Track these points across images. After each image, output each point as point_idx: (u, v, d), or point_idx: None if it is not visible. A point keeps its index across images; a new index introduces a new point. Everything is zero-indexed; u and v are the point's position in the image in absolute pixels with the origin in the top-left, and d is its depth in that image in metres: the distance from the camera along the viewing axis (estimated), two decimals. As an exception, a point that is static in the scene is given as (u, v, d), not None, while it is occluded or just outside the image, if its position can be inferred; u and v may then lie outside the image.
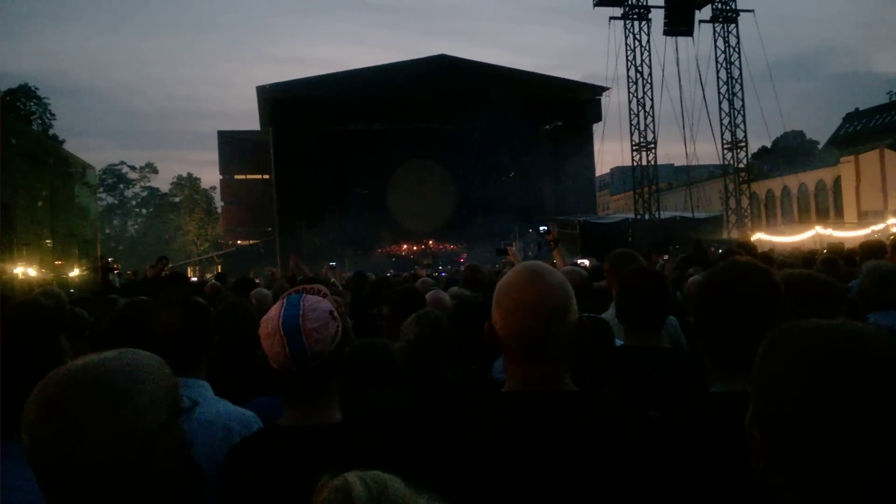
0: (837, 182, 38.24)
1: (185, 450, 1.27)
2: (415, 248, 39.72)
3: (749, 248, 8.27)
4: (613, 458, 1.41)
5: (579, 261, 11.24)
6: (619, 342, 2.81)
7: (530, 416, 1.47)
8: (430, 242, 39.85)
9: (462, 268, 15.58)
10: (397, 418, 1.60)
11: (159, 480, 1.18)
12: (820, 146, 54.01)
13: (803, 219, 39.19)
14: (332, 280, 8.79)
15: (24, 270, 17.01)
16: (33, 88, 44.23)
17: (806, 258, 7.70)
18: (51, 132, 43.02)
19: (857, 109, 48.83)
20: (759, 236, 27.99)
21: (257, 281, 11.60)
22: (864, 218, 32.34)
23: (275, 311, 1.75)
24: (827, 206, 39.80)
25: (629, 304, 2.70)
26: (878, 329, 0.95)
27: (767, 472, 0.97)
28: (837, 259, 6.51)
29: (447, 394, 2.31)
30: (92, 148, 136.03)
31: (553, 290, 1.53)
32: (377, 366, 2.26)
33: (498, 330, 1.56)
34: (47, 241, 19.88)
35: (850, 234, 25.55)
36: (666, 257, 8.11)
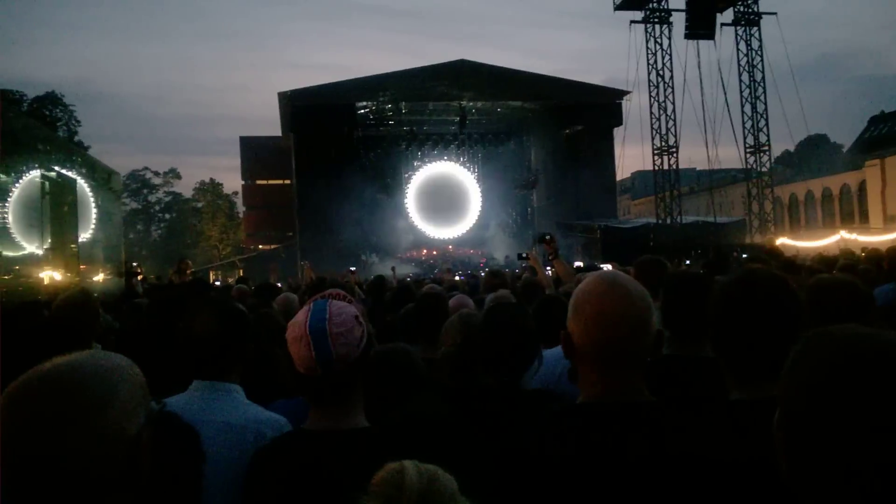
0: (862, 186, 37.71)
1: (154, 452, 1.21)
2: (434, 252, 39.74)
3: (775, 253, 8.19)
4: (702, 473, 1.38)
5: (603, 266, 11.18)
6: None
7: (612, 429, 1.44)
8: (450, 247, 39.86)
9: (482, 272, 15.55)
10: (427, 426, 1.60)
11: (144, 485, 1.13)
12: (844, 149, 53.34)
13: (827, 223, 38.72)
14: (354, 286, 8.82)
15: (51, 275, 17.24)
16: (59, 96, 45.11)
17: (829, 263, 7.59)
18: (76, 138, 43.77)
19: (882, 112, 48.08)
20: (783, 241, 27.69)
21: (279, 285, 11.67)
22: (889, 222, 31.90)
23: (301, 315, 1.77)
24: (852, 211, 39.26)
25: (674, 311, 2.62)
26: None
27: (789, 473, 1.00)
28: (858, 265, 6.43)
29: (482, 401, 2.29)
30: (116, 154, 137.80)
31: (634, 300, 1.52)
32: (400, 372, 2.26)
33: (575, 339, 1.54)
34: (73, 245, 20.12)
35: (876, 239, 25.20)
36: (688, 262, 8.03)
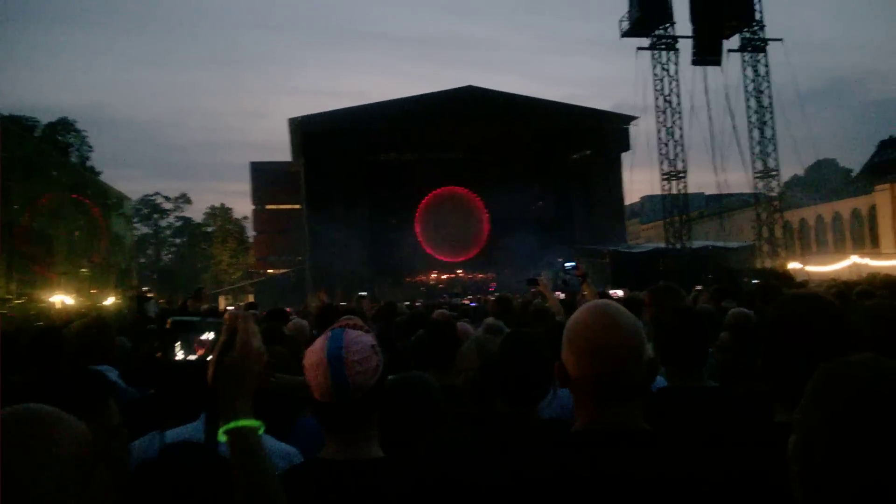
0: (872, 210, 37.59)
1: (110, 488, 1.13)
2: (444, 277, 39.73)
3: (787, 278, 8.15)
4: (697, 500, 1.37)
5: (611, 292, 11.15)
6: (658, 381, 2.78)
7: (603, 457, 1.44)
8: (460, 272, 39.85)
9: (491, 297, 15.52)
10: (445, 457, 1.59)
11: None
12: (854, 174, 53.23)
13: (838, 248, 38.55)
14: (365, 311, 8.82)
15: (62, 300, 17.34)
16: (72, 121, 45.65)
17: (840, 290, 7.55)
18: (88, 164, 44.19)
19: (891, 136, 47.95)
20: (794, 266, 27.57)
21: (287, 310, 11.66)
22: (901, 247, 31.72)
23: (319, 343, 1.79)
24: (862, 235, 39.10)
25: (666, 344, 2.65)
26: None
27: (803, 501, 1.00)
28: (874, 292, 6.38)
29: (500, 429, 2.29)
30: (128, 179, 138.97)
31: (627, 332, 1.52)
32: (418, 401, 2.26)
33: (570, 371, 1.55)
34: (84, 270, 20.27)
35: (888, 263, 25.06)
36: (699, 287, 8.02)
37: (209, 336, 1.52)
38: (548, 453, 1.52)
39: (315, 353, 1.76)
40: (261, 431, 1.44)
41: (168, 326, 1.53)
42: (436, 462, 1.77)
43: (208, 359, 1.44)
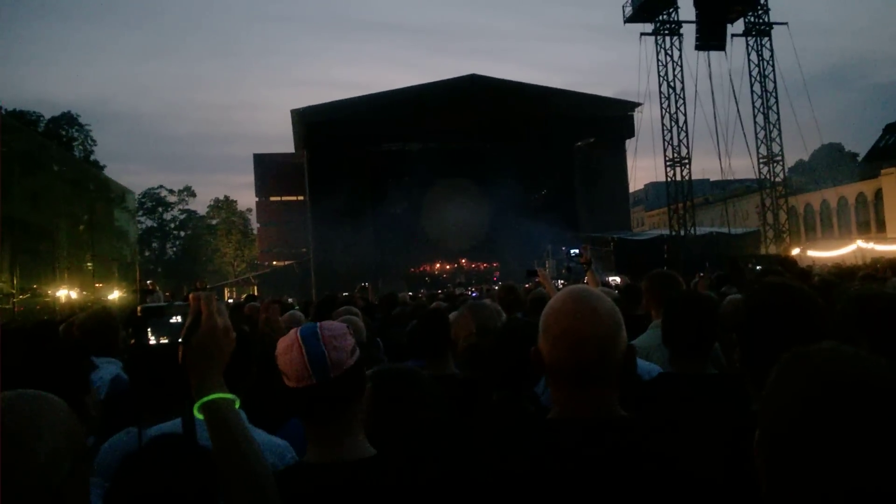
0: (879, 195, 37.36)
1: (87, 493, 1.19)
2: (448, 266, 39.73)
3: (789, 264, 8.11)
4: (669, 488, 1.35)
5: (611, 279, 11.11)
6: (654, 368, 2.75)
7: (577, 444, 1.42)
8: (463, 261, 39.83)
9: (495, 287, 15.51)
10: (431, 454, 1.57)
11: None
12: (860, 158, 52.93)
13: (844, 233, 38.35)
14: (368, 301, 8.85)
15: (67, 294, 17.40)
16: (75, 116, 45.76)
17: (844, 274, 7.53)
18: (92, 158, 44.29)
19: (897, 120, 47.72)
20: (799, 251, 27.47)
21: (290, 301, 11.69)
22: (907, 231, 31.57)
23: (292, 330, 1.77)
24: (868, 220, 38.87)
25: (673, 329, 2.64)
26: (880, 358, 0.97)
27: (768, 494, 1.00)
28: (877, 276, 6.37)
29: (487, 418, 2.28)
30: (132, 173, 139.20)
31: (602, 317, 1.49)
32: (407, 391, 2.22)
33: (545, 357, 1.52)
34: (88, 264, 20.33)
35: (894, 248, 24.94)
36: (701, 274, 7.96)
37: (177, 319, 1.56)
38: (523, 444, 1.49)
39: (287, 337, 1.73)
40: (237, 405, 1.46)
41: (138, 314, 1.56)
42: (424, 461, 1.73)
43: (179, 341, 1.48)
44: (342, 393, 1.69)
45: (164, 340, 1.55)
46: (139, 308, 1.61)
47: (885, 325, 2.09)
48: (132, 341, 1.66)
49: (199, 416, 1.43)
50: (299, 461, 1.76)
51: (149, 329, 1.56)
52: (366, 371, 1.85)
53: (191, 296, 1.51)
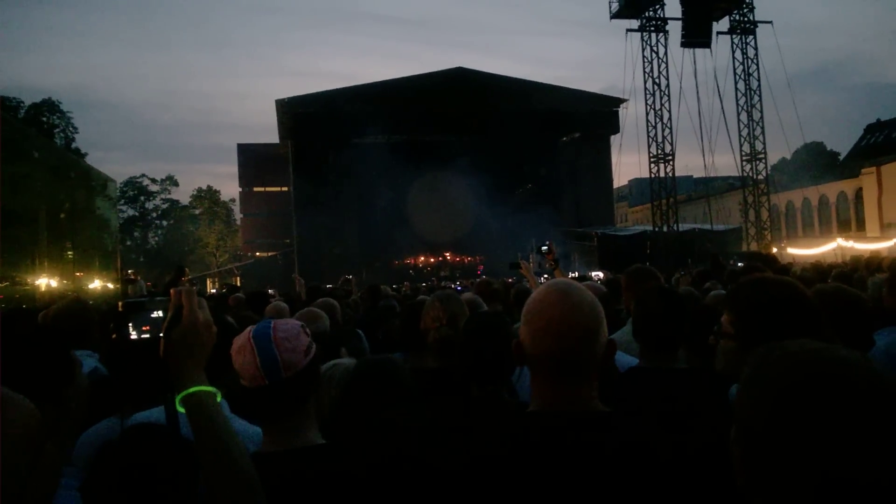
0: (859, 194, 37.80)
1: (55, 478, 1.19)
2: (432, 259, 39.73)
3: (769, 260, 8.19)
4: (647, 480, 1.37)
5: (594, 274, 11.17)
6: (633, 362, 2.77)
7: (557, 437, 1.43)
8: (448, 254, 39.84)
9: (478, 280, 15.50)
10: (389, 440, 1.58)
11: None
12: (841, 157, 53.47)
13: (824, 231, 38.78)
14: (352, 293, 8.82)
15: (47, 282, 17.21)
16: (56, 103, 45.11)
17: (822, 272, 7.61)
18: (73, 145, 43.75)
19: (878, 120, 48.25)
20: (777, 249, 27.70)
21: (270, 292, 11.61)
22: (886, 229, 31.95)
23: (246, 330, 1.79)
24: (848, 218, 39.34)
25: (644, 323, 2.66)
26: (853, 353, 0.98)
27: (744, 487, 1.01)
28: (852, 274, 6.46)
29: (461, 410, 2.29)
30: (114, 161, 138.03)
31: (583, 310, 1.51)
32: (384, 383, 2.23)
33: (526, 349, 1.53)
34: (69, 252, 20.11)
35: (873, 246, 25.24)
36: (683, 272, 8.03)
37: (158, 314, 1.57)
38: (499, 435, 1.50)
39: (241, 337, 1.76)
40: (219, 398, 1.46)
41: (120, 309, 1.56)
42: (380, 446, 1.74)
43: (160, 335, 1.48)
44: (295, 392, 1.73)
45: (145, 335, 1.56)
46: (120, 303, 1.61)
47: (840, 320, 2.16)
48: (114, 336, 1.66)
49: (180, 409, 1.44)
50: (254, 452, 1.75)
51: (130, 324, 1.56)
52: (348, 362, 1.86)
53: (171, 290, 1.51)
